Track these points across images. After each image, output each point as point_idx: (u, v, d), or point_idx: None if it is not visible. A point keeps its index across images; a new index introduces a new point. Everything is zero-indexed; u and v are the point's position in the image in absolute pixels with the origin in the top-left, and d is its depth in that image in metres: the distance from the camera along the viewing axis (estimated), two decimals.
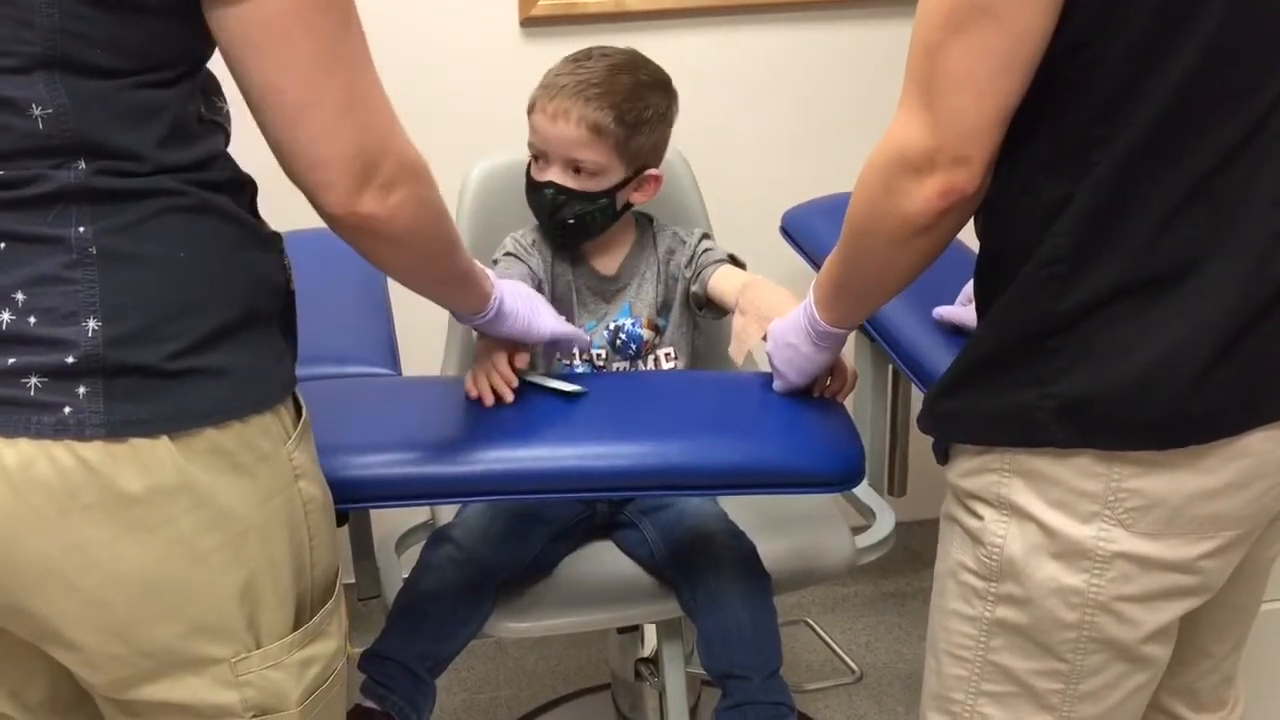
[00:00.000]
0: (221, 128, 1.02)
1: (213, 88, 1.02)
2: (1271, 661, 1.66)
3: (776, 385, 1.40)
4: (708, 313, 1.68)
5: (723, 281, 1.62)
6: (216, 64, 0.99)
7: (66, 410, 0.91)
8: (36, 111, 0.89)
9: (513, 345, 1.40)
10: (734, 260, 1.66)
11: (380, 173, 0.98)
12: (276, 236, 1.04)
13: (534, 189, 1.61)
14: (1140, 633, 1.08)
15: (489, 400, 1.38)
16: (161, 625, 0.98)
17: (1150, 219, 0.98)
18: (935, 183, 1.00)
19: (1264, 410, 1.03)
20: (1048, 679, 1.12)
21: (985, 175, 1.01)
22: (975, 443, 1.10)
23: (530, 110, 1.60)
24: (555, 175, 1.59)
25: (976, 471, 1.10)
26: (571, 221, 1.60)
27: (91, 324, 0.91)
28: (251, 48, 0.92)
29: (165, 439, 0.93)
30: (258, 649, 1.02)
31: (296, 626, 1.05)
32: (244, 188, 1.02)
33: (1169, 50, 0.95)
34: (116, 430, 0.92)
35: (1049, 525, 1.06)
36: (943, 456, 1.16)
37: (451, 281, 1.22)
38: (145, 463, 0.93)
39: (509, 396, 1.37)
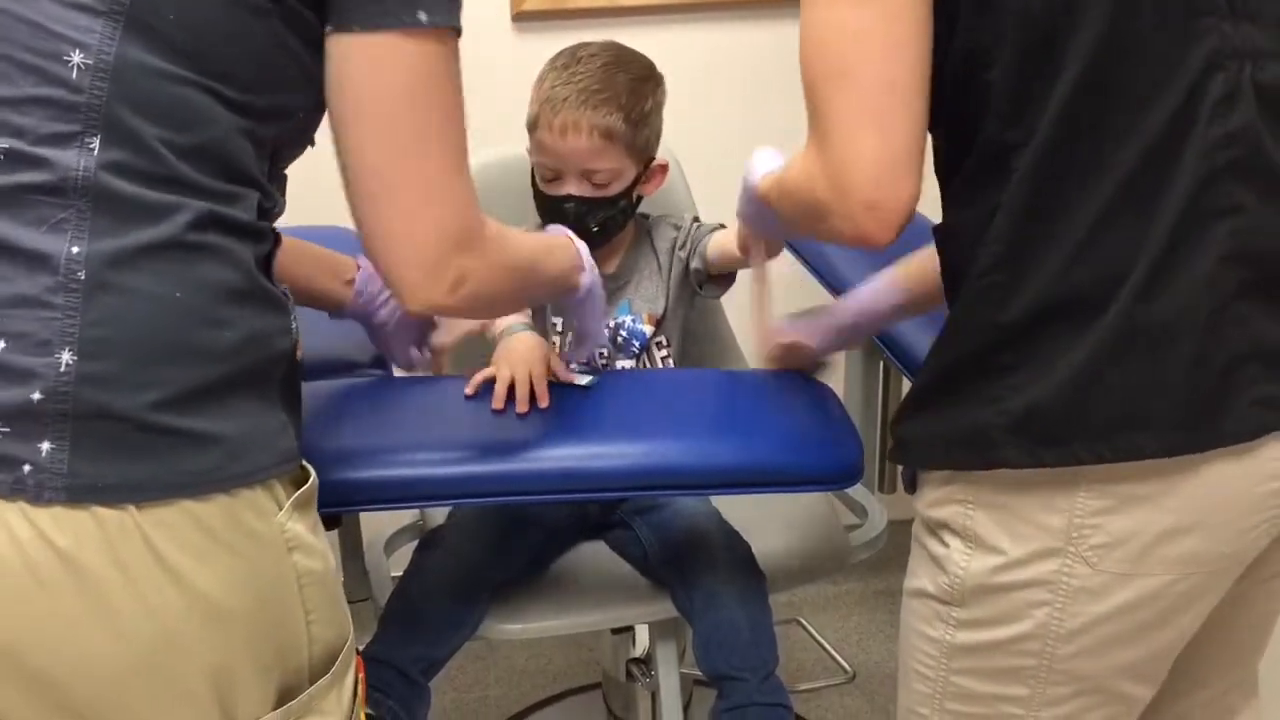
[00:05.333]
0: (264, 210, 0.95)
1: (277, 177, 0.99)
2: None
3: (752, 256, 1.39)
4: (709, 288, 1.66)
5: (720, 241, 1.61)
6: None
7: (26, 469, 0.82)
8: (76, 57, 0.84)
9: (548, 353, 1.39)
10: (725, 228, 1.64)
11: (450, 268, 0.98)
12: (286, 299, 0.97)
13: (552, 204, 1.57)
14: (1106, 667, 1.06)
15: (524, 406, 1.32)
16: (124, 711, 0.88)
17: (1079, 221, 0.95)
18: (849, 228, 0.97)
19: (1227, 428, 0.97)
20: (1009, 704, 1.10)
21: (904, 215, 0.96)
22: (936, 468, 1.08)
23: (533, 128, 1.55)
24: (572, 188, 1.56)
25: (942, 502, 1.08)
26: (596, 229, 1.57)
27: (65, 356, 0.83)
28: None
29: (132, 509, 0.84)
30: None
31: (280, 705, 0.95)
32: (261, 239, 0.94)
33: (1060, 47, 0.92)
34: (77, 495, 0.83)
35: (1013, 557, 1.04)
36: (911, 485, 1.14)
37: (539, 293, 1.28)
38: (109, 535, 0.84)
39: (524, 407, 1.32)
